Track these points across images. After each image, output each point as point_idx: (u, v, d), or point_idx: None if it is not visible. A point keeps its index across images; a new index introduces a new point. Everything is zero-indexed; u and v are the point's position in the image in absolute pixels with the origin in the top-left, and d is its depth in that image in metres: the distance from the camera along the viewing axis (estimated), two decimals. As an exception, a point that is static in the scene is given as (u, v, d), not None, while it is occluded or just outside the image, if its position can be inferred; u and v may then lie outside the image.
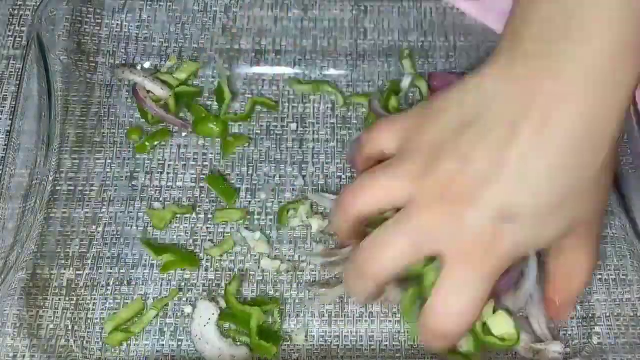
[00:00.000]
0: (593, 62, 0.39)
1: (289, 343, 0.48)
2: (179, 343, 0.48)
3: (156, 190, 0.53)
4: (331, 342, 0.49)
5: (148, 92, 0.55)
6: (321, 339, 0.49)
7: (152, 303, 0.49)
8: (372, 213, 0.44)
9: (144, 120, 0.56)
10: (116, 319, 0.48)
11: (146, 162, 0.54)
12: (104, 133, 0.55)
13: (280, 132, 0.56)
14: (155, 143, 0.55)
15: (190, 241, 0.51)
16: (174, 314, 0.49)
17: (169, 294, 0.49)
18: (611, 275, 0.50)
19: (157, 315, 0.49)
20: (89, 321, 0.48)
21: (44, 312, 0.48)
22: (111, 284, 0.50)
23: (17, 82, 0.52)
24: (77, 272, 0.50)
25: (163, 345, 0.48)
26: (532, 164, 0.39)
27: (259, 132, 0.56)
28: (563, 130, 0.39)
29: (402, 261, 0.42)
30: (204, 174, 0.54)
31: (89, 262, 0.50)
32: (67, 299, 0.49)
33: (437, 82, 0.57)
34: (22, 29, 0.59)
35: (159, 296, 0.49)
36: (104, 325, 0.48)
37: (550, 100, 0.39)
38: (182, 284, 0.50)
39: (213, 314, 0.48)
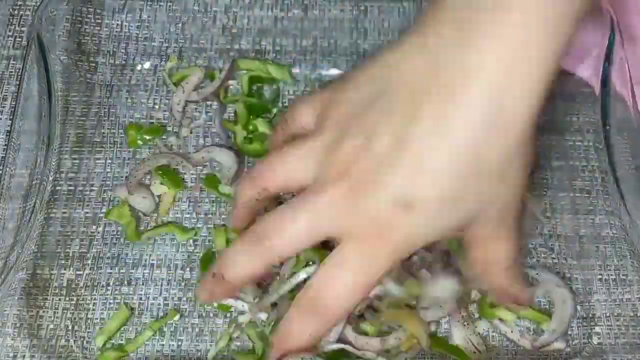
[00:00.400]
0: (508, 34, 0.36)
1: (289, 343, 0.48)
2: (179, 343, 0.48)
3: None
4: (331, 342, 0.48)
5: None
6: (321, 339, 0.49)
7: (148, 323, 0.48)
8: (277, 189, 0.43)
9: (143, 120, 0.56)
10: (105, 332, 0.47)
11: (146, 162, 0.54)
12: (104, 133, 0.55)
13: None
14: (148, 138, 0.55)
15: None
16: (174, 314, 0.49)
17: (168, 315, 0.48)
18: (611, 275, 0.50)
19: (153, 335, 0.48)
20: (89, 321, 0.48)
21: (44, 312, 0.48)
22: (111, 284, 0.50)
23: (17, 82, 0.52)
24: (77, 272, 0.50)
25: (163, 345, 0.48)
26: (434, 143, 0.37)
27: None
28: (468, 106, 0.36)
29: (298, 239, 0.40)
30: (203, 174, 0.54)
31: (89, 262, 0.50)
32: (67, 299, 0.49)
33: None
34: (22, 29, 0.59)
35: (158, 296, 0.49)
36: (95, 341, 0.47)
37: (456, 73, 0.37)
38: (183, 284, 0.50)
39: None
